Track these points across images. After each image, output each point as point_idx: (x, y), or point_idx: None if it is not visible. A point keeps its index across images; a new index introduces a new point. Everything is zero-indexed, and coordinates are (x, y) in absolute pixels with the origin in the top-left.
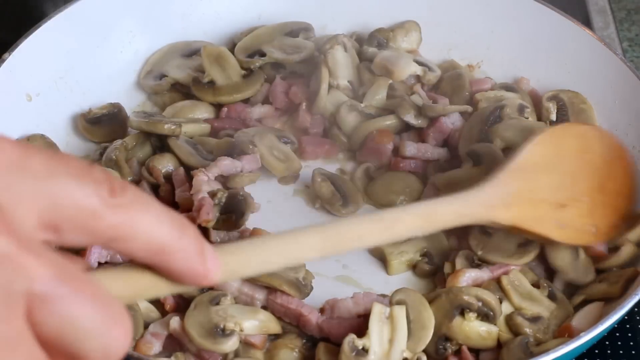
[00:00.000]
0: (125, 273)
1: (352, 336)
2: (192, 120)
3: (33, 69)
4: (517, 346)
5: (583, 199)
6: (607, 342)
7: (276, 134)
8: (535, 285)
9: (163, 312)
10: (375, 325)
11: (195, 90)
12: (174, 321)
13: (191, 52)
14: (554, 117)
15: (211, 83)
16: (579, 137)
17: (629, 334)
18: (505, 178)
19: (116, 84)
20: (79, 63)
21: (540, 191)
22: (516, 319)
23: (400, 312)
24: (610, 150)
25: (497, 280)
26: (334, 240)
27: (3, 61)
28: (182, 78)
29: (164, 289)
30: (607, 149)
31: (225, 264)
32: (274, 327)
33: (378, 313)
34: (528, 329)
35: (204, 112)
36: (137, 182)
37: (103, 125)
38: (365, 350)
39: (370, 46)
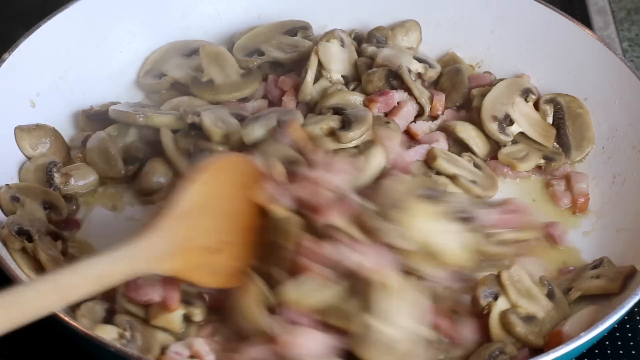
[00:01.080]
0: None
1: None
2: (167, 112)
3: (33, 69)
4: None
5: (235, 240)
6: (607, 342)
7: (231, 110)
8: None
9: (176, 336)
10: None
11: (194, 89)
12: (198, 343)
13: (190, 51)
14: (550, 119)
15: (210, 82)
16: (234, 171)
17: (629, 334)
18: (167, 226)
19: (116, 84)
20: (79, 63)
21: (198, 237)
22: (510, 317)
23: None
24: (249, 175)
25: (497, 275)
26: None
27: (3, 61)
28: (181, 77)
29: None
30: (248, 176)
31: None
32: None
33: None
34: (521, 328)
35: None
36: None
37: (102, 121)
38: None
39: (369, 44)
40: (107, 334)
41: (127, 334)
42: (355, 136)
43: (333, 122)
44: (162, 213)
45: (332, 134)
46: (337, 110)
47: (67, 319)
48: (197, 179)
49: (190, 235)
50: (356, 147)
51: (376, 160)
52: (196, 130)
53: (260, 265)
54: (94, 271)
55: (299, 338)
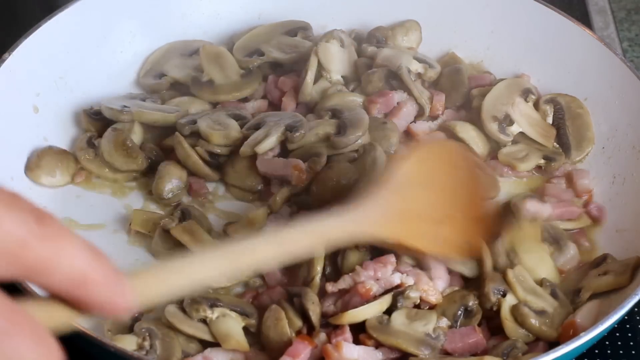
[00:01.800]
0: (50, 304)
1: None
2: (159, 109)
3: (33, 69)
4: (501, 351)
5: (456, 215)
6: (607, 342)
7: (228, 112)
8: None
9: (202, 342)
10: None
11: (194, 89)
12: (217, 355)
13: (190, 51)
14: (550, 119)
15: (210, 82)
16: (447, 154)
17: (629, 334)
18: (384, 195)
19: (116, 84)
20: (79, 63)
21: (417, 208)
22: (522, 309)
23: None
24: (472, 166)
25: (503, 274)
26: (236, 262)
27: (3, 61)
28: (182, 77)
29: (79, 318)
30: (470, 165)
31: (140, 292)
32: None
33: None
34: (534, 320)
35: (199, 107)
36: None
37: (105, 120)
38: None
39: (369, 44)
40: (127, 344)
41: (146, 343)
42: (349, 142)
43: (329, 126)
44: (377, 185)
45: (328, 139)
46: (335, 113)
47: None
48: (411, 156)
49: (408, 206)
50: (355, 150)
51: (380, 163)
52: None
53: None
54: (318, 229)
55: (349, 352)
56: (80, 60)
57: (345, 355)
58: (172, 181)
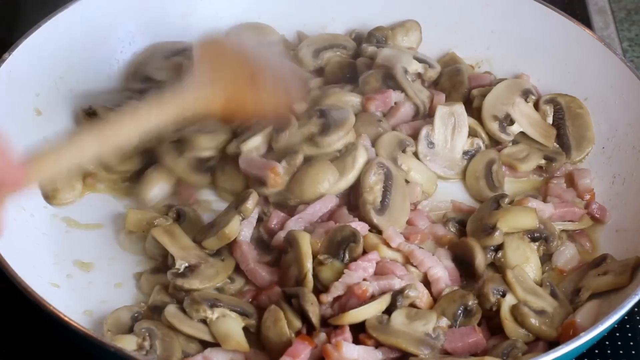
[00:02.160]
0: None
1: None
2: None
3: (33, 69)
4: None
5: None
6: (607, 342)
7: None
8: (538, 284)
9: (202, 342)
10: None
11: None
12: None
13: (172, 52)
14: (550, 119)
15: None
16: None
17: (629, 334)
18: (199, 77)
19: (116, 84)
20: (79, 63)
21: (226, 78)
22: (522, 309)
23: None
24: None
25: (502, 275)
26: (106, 139)
27: (3, 61)
28: (165, 79)
29: None
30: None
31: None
32: None
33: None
34: (534, 319)
35: None
36: None
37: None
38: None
39: (369, 44)
40: (127, 344)
41: (146, 343)
42: (332, 141)
43: (314, 126)
44: (195, 73)
45: (312, 139)
46: (322, 113)
47: (74, 323)
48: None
49: (219, 76)
50: (339, 150)
51: (360, 162)
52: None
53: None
54: (162, 105)
55: (349, 352)
56: (80, 60)
57: (345, 355)
58: (156, 188)
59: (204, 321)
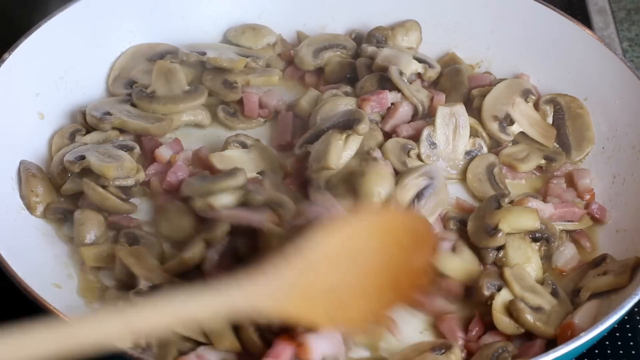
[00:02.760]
0: None
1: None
2: (141, 116)
3: (33, 69)
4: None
5: (369, 292)
6: (607, 342)
7: (115, 143)
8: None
9: (196, 342)
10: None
11: (136, 99)
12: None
13: (155, 55)
14: (550, 119)
15: (152, 94)
16: (382, 228)
17: (629, 334)
18: (289, 271)
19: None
20: (79, 63)
21: (322, 288)
22: (518, 304)
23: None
24: (417, 237)
25: (500, 272)
26: (76, 339)
27: (3, 61)
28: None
29: None
30: (413, 237)
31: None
32: None
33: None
34: (530, 315)
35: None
36: None
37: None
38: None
39: (369, 44)
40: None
41: (142, 341)
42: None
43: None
44: (284, 258)
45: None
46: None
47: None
48: (336, 231)
49: (312, 284)
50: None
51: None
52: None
53: None
54: (202, 300)
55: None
56: (80, 60)
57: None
58: (93, 228)
59: None
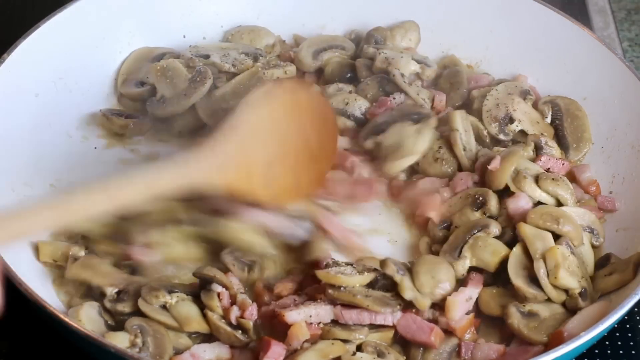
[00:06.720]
0: None
1: None
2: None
3: (33, 69)
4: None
5: (289, 155)
6: (607, 342)
7: None
8: None
9: (191, 338)
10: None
11: (150, 108)
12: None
13: (155, 57)
14: (548, 119)
15: (162, 98)
16: (289, 94)
17: (629, 334)
18: (222, 141)
19: (115, 84)
20: (79, 63)
21: (252, 152)
22: (509, 308)
23: None
24: (317, 106)
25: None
26: (64, 211)
27: (3, 61)
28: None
29: None
30: (314, 105)
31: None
32: None
33: None
34: (516, 321)
35: None
36: None
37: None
38: None
39: (368, 45)
40: (119, 341)
41: (138, 340)
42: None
43: None
44: (217, 136)
45: None
46: None
47: (75, 324)
48: (252, 102)
49: (244, 149)
50: None
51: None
52: None
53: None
54: (143, 180)
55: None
56: (80, 60)
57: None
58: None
59: (164, 307)
